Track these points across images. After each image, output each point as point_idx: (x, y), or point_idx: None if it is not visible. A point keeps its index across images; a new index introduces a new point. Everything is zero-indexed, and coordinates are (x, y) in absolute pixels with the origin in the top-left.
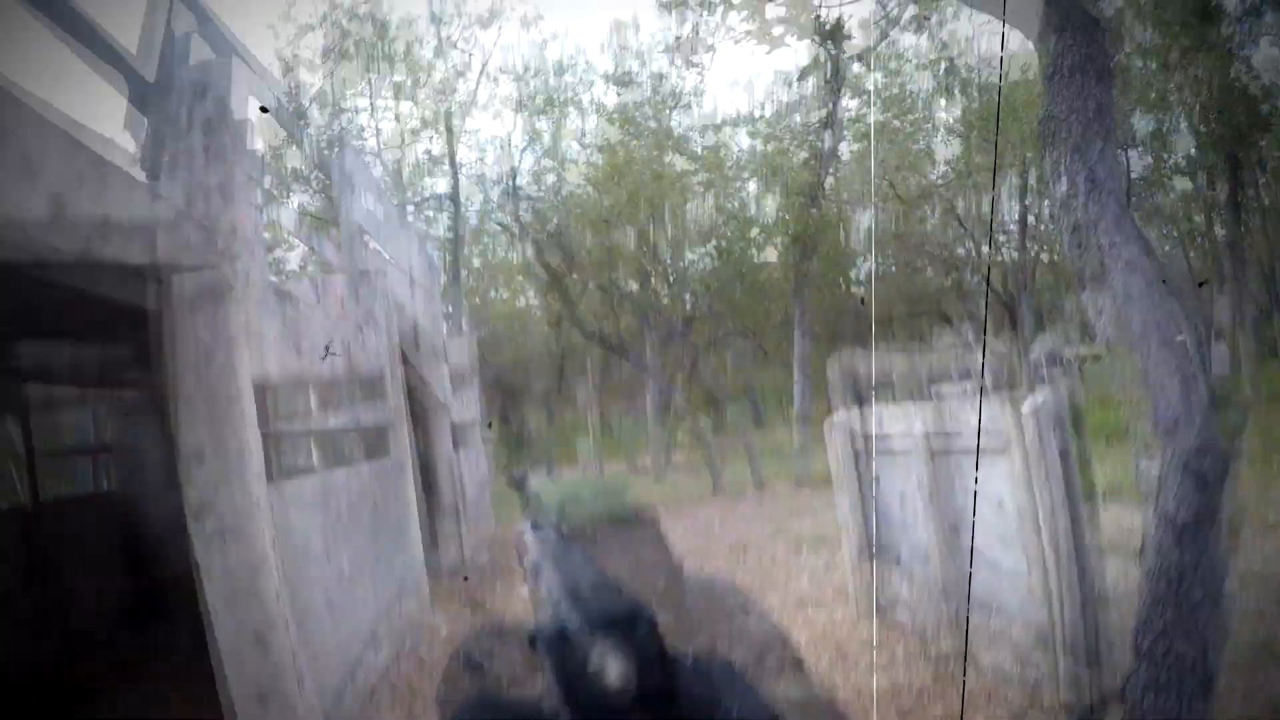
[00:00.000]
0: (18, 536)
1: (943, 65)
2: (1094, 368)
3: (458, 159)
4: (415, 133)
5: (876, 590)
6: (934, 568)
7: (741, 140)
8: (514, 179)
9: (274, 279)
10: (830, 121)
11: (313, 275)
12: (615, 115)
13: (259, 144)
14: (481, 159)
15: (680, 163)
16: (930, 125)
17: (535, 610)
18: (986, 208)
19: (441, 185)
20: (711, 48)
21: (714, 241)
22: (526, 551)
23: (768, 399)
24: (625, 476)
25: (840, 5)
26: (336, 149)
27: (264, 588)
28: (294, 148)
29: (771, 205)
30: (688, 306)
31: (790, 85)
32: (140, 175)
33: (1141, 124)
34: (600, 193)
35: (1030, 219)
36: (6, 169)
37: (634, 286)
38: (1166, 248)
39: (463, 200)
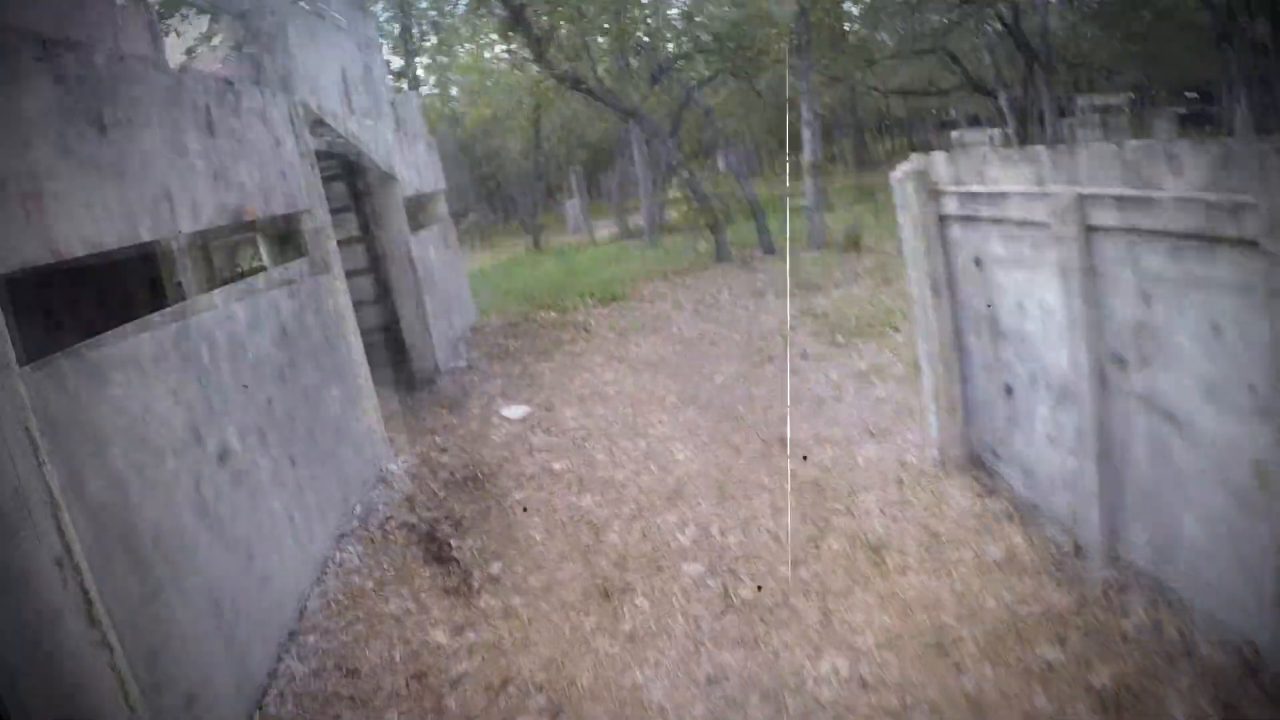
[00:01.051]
0: None
1: None
2: None
3: None
4: None
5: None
6: (1080, 416)
7: None
8: None
9: None
10: None
11: None
12: None
13: None
14: None
15: None
16: None
17: None
18: None
19: None
20: None
21: None
22: None
23: (768, 148)
24: (621, 245)
25: None
26: None
27: None
28: None
29: None
30: (672, 46)
31: None
32: None
33: None
34: None
35: None
36: None
37: (606, 24)
38: None
39: None
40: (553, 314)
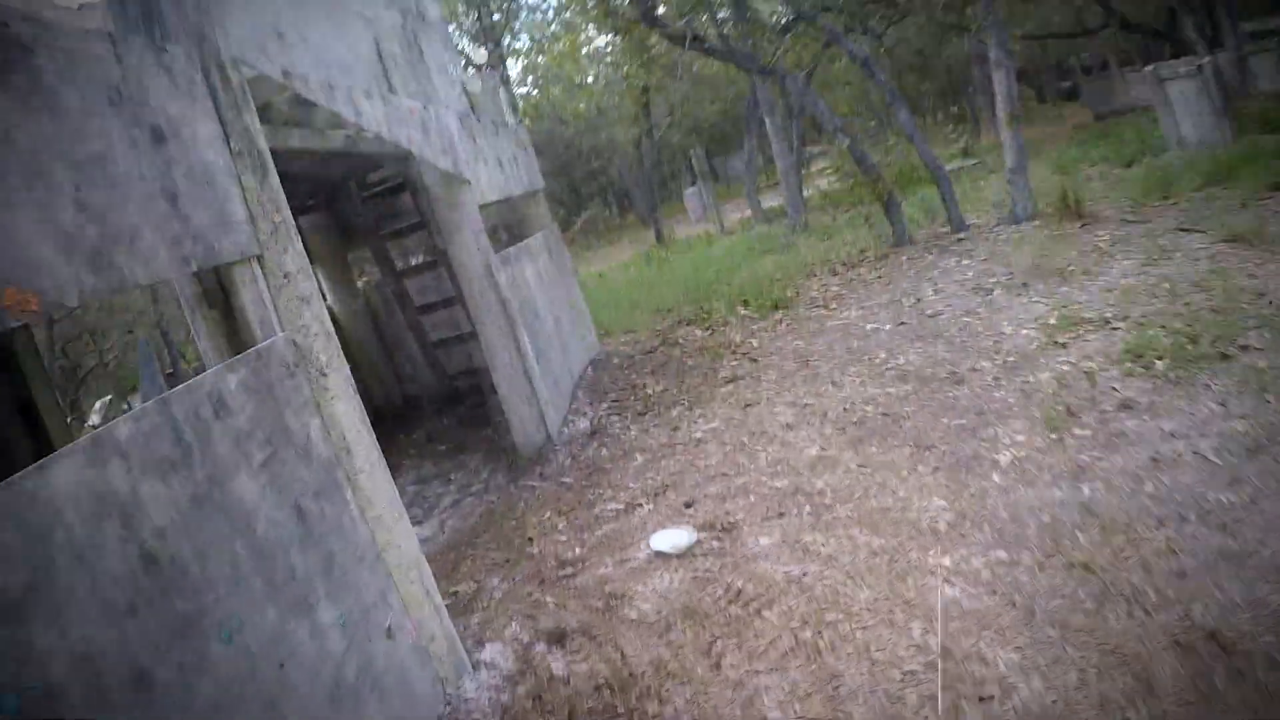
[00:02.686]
0: None
1: None
2: None
3: None
4: None
5: None
6: None
7: None
8: None
9: None
10: None
11: None
12: None
13: None
14: None
15: None
16: None
17: None
18: None
19: None
20: None
21: None
22: None
23: (931, 106)
24: (761, 232)
25: None
26: None
27: None
28: None
29: None
30: None
31: None
32: None
33: None
34: None
35: None
36: None
37: None
38: None
39: None
40: (698, 332)
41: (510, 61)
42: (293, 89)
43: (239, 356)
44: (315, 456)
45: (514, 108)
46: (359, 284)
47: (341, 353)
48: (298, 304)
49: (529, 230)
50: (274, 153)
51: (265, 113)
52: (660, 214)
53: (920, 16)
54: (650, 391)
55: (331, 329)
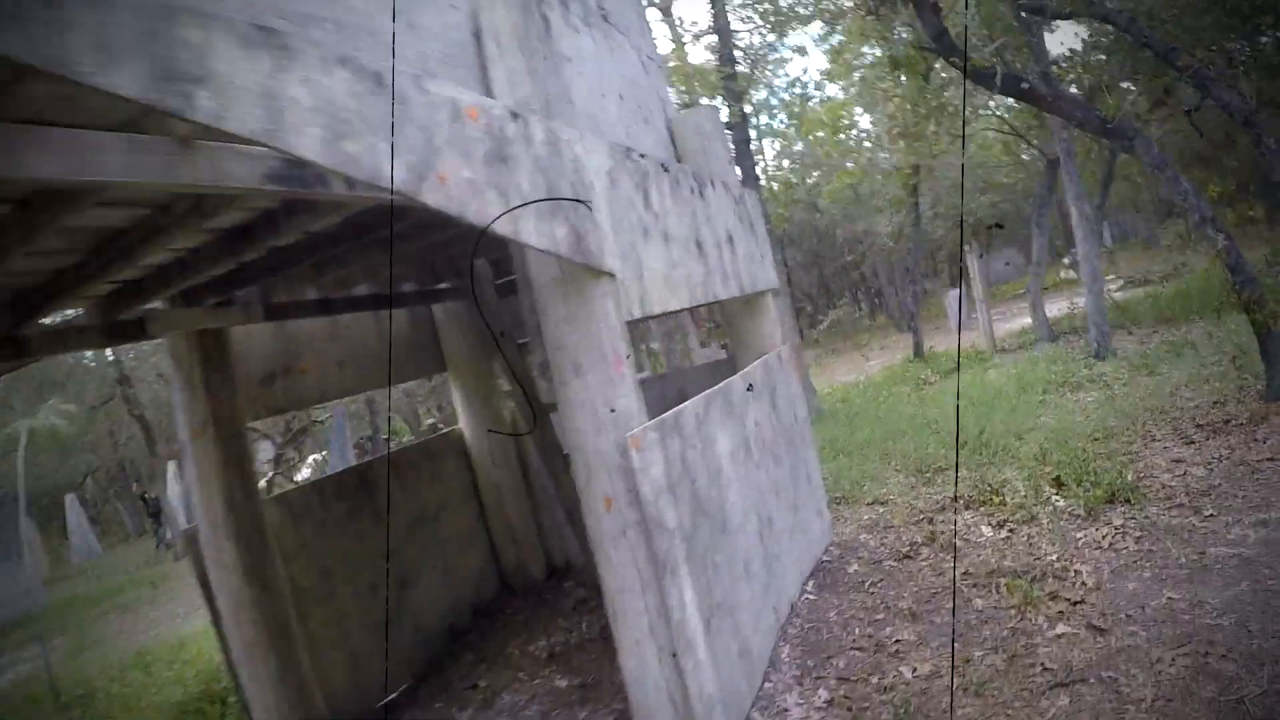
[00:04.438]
0: None
1: None
2: None
3: None
4: None
5: None
6: None
7: None
8: None
9: None
10: None
11: None
12: None
13: None
14: None
15: None
16: None
17: None
18: None
19: None
20: None
21: None
22: None
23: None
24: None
25: None
26: None
27: None
28: None
29: None
30: None
31: None
32: None
33: None
34: None
35: None
36: None
37: None
38: None
39: None
40: (985, 529)
41: (754, 135)
42: None
43: None
44: None
45: (758, 189)
46: (506, 407)
47: None
48: None
49: (746, 353)
50: None
51: None
52: (919, 321)
53: None
54: (907, 677)
55: None
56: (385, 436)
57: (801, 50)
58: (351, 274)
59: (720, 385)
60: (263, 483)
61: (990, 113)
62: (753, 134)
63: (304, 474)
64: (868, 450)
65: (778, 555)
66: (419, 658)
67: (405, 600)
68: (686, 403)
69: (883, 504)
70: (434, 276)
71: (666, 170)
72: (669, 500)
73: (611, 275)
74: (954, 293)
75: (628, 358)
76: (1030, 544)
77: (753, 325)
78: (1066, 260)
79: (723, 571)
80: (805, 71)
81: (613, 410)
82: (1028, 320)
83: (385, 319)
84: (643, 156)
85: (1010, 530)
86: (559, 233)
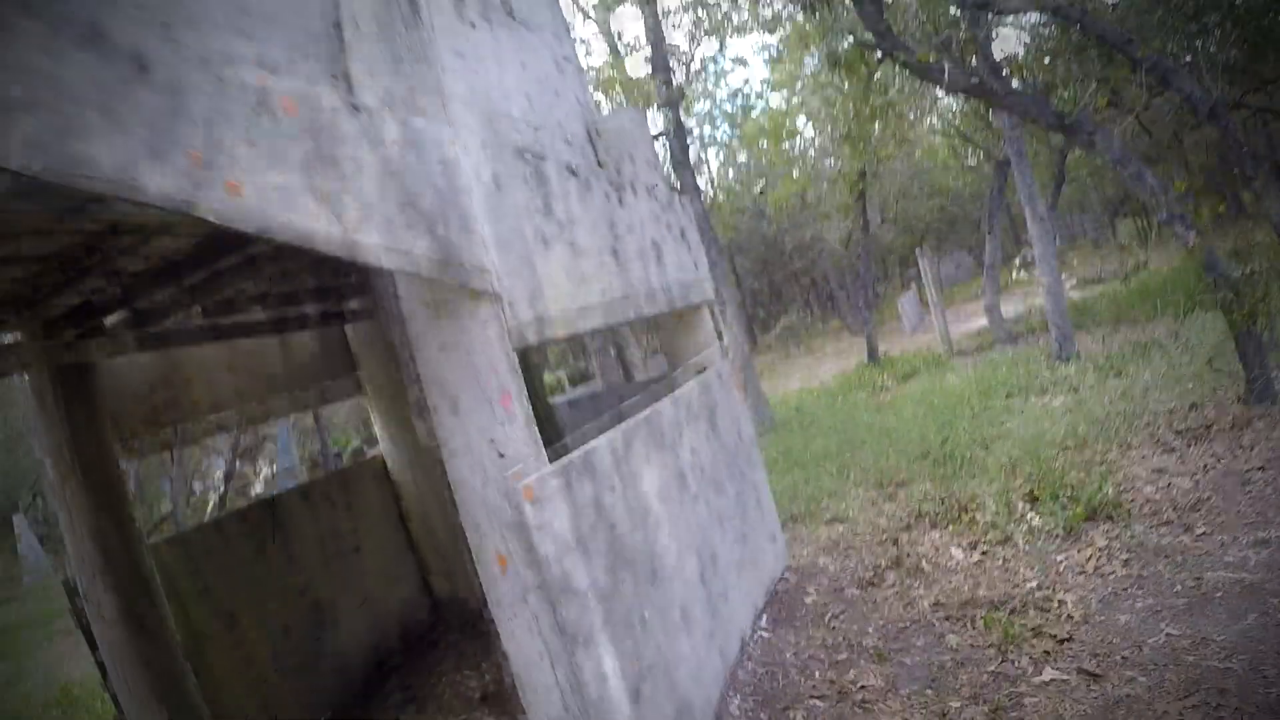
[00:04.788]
0: None
1: None
2: None
3: None
4: None
5: None
6: None
7: None
8: None
9: None
10: None
11: None
12: None
13: None
14: None
15: None
16: None
17: None
18: None
19: None
20: None
21: None
22: None
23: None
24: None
25: None
26: None
27: None
28: None
29: None
30: None
31: None
32: None
33: None
34: None
35: None
36: None
37: None
38: None
39: None
40: (956, 552)
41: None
42: None
43: None
44: None
45: (702, 202)
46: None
47: None
48: None
49: (682, 370)
50: None
51: None
52: (874, 325)
53: None
54: None
55: None
56: (336, 451)
57: (742, 61)
58: (246, 297)
59: (644, 413)
60: (215, 498)
61: (938, 115)
62: (695, 144)
63: (258, 489)
64: (825, 463)
65: (724, 594)
66: (337, 699)
67: (323, 638)
68: (600, 438)
69: (843, 521)
70: (340, 297)
71: (574, 174)
72: (578, 558)
73: (495, 296)
74: (907, 295)
75: (518, 392)
76: (1006, 568)
77: (688, 340)
78: (1018, 261)
79: (654, 627)
80: (746, 83)
81: (501, 455)
82: (983, 322)
83: (290, 342)
84: (543, 159)
85: (983, 553)
86: (418, 247)
